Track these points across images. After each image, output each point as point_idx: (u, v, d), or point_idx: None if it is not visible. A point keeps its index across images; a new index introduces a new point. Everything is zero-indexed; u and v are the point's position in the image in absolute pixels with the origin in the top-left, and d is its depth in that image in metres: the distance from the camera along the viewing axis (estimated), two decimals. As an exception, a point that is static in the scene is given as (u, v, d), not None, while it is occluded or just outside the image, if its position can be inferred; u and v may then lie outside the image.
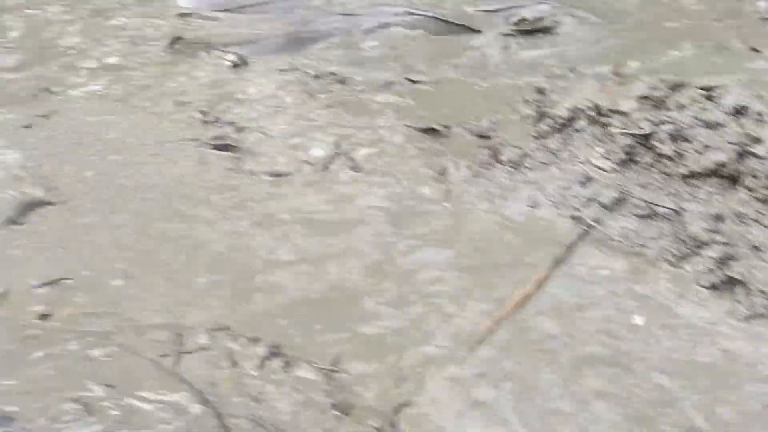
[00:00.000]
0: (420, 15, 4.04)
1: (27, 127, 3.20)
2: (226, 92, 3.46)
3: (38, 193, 2.74)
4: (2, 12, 4.18)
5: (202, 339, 2.05)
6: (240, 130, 3.17)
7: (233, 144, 3.07)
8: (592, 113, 2.68)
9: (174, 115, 3.31)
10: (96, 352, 1.97)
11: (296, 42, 3.90)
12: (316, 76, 3.55)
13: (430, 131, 2.98)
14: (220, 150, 3.04)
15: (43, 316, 2.19)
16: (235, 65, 3.64)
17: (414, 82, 3.41)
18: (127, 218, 2.65)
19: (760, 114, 2.38)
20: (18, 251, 2.49)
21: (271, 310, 2.25)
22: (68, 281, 2.34)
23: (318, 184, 2.80)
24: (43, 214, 2.66)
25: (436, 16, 4.04)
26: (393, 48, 3.77)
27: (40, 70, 3.69)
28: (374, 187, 2.77)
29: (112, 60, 3.75)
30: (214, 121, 3.27)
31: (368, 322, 2.21)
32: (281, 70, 3.62)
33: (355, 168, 2.83)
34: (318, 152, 2.98)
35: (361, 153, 2.92)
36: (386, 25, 3.95)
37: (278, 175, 2.87)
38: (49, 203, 2.70)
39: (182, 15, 4.13)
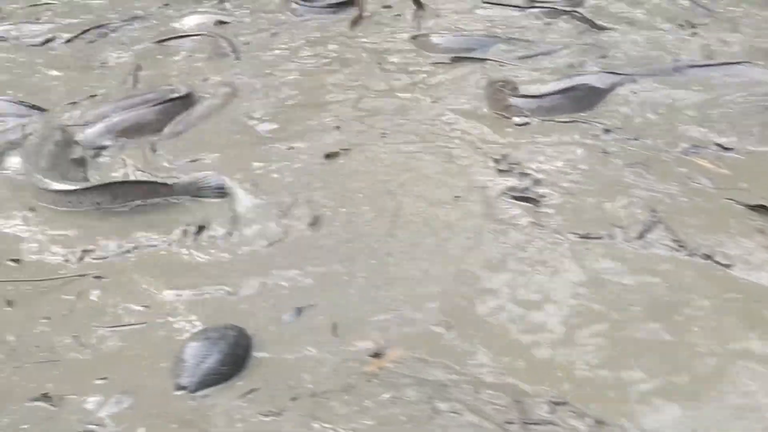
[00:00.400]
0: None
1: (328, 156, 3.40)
2: (516, 141, 3.46)
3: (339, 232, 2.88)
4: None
5: (543, 410, 1.99)
6: (537, 183, 3.13)
7: (533, 197, 3.02)
8: None
9: (466, 158, 3.35)
10: (442, 406, 1.97)
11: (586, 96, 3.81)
12: (607, 130, 3.47)
13: (760, 208, 2.75)
14: (518, 201, 3.01)
15: (376, 355, 2.24)
16: (525, 118, 3.63)
17: (725, 148, 3.19)
18: (433, 264, 2.67)
19: None
20: (346, 288, 2.58)
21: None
22: (391, 321, 2.39)
23: (634, 255, 2.66)
24: (353, 256, 2.74)
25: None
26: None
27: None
28: (703, 270, 2.54)
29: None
30: (508, 171, 3.26)
31: None
32: (571, 122, 3.56)
33: (679, 243, 2.66)
34: (626, 214, 2.85)
35: (679, 224, 2.75)
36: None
37: (587, 237, 2.77)
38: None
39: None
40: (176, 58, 4.58)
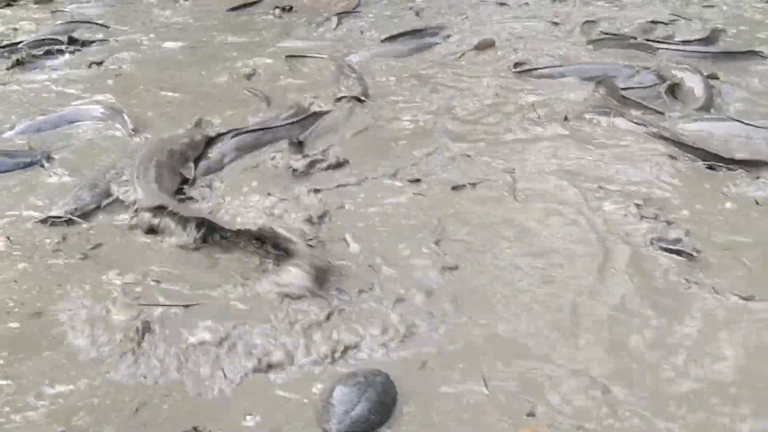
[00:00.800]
0: None
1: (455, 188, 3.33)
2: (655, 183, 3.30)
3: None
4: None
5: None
6: (686, 233, 2.95)
7: (685, 250, 2.85)
8: None
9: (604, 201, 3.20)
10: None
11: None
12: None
13: None
14: (669, 253, 2.84)
15: (530, 414, 2.14)
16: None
17: None
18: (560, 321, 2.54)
19: None
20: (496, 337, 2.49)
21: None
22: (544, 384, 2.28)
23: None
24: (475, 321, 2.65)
25: None
26: None
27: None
28: None
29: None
30: (654, 218, 3.09)
31: None
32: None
33: None
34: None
35: None
36: None
37: (748, 299, 2.58)
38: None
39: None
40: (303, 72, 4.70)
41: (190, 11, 6.69)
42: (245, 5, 6.64)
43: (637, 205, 3.13)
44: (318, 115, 4.03)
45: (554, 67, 4.74)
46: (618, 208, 3.13)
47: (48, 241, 3.03)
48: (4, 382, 2.33)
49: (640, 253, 2.83)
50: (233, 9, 6.59)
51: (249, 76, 4.80)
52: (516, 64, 4.82)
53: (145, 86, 4.79)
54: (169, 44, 5.54)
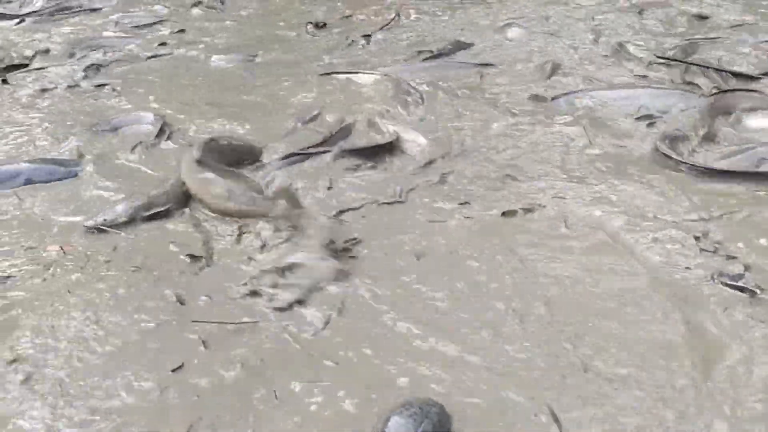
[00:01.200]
0: None
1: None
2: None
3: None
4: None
5: None
6: (746, 268, 2.86)
7: (748, 287, 2.76)
8: None
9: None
10: None
11: None
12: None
13: None
14: (733, 290, 2.76)
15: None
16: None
17: None
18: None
19: None
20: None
21: None
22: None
23: None
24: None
25: None
26: None
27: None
28: None
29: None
30: (713, 251, 3.00)
31: None
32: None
33: None
34: None
35: None
36: None
37: (815, 341, 2.49)
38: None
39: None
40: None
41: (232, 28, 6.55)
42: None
43: (696, 238, 3.07)
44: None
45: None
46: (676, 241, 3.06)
47: (100, 251, 3.07)
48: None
49: (701, 289, 2.76)
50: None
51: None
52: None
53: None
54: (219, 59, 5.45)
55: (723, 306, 2.66)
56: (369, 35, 5.81)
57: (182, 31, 6.11)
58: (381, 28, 5.96)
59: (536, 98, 4.44)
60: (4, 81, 4.99)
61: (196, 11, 6.66)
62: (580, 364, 2.41)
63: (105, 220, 3.22)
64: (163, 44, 5.79)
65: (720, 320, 2.60)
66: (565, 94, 4.46)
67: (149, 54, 5.57)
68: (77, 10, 6.68)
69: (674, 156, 3.63)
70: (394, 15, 6.22)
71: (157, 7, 6.78)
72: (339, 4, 6.73)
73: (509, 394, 2.29)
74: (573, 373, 2.38)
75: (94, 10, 6.70)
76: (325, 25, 6.17)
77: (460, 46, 5.39)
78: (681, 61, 4.82)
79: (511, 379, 2.36)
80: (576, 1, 6.37)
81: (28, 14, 6.54)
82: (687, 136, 3.86)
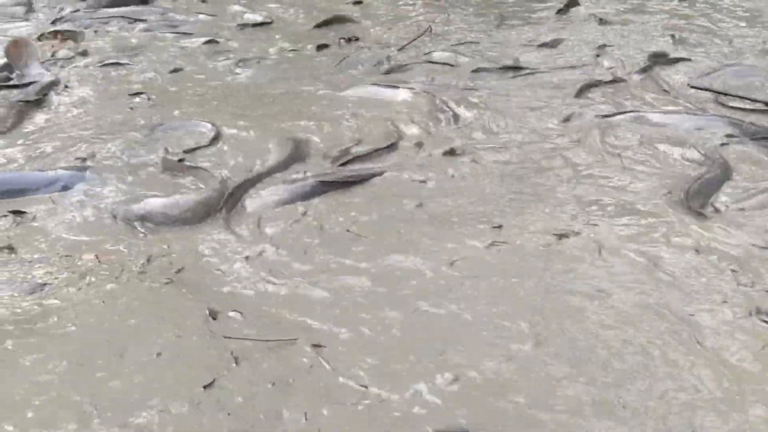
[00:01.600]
0: None
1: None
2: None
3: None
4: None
5: None
6: None
7: (786, 320, 2.71)
8: None
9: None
10: None
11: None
12: None
13: None
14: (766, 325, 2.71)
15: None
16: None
17: None
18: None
19: None
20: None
21: None
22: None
23: None
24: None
25: None
26: None
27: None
28: None
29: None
30: (751, 285, 2.95)
31: None
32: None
33: None
34: None
35: None
36: None
37: None
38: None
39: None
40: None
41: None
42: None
43: (733, 271, 3.02)
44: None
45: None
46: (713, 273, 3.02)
47: (135, 262, 3.10)
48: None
49: (738, 324, 2.72)
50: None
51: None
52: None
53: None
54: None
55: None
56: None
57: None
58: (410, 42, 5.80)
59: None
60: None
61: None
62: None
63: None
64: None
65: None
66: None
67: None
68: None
69: None
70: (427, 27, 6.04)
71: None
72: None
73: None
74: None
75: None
76: (357, 39, 6.05)
77: None
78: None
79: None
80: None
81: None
82: None
